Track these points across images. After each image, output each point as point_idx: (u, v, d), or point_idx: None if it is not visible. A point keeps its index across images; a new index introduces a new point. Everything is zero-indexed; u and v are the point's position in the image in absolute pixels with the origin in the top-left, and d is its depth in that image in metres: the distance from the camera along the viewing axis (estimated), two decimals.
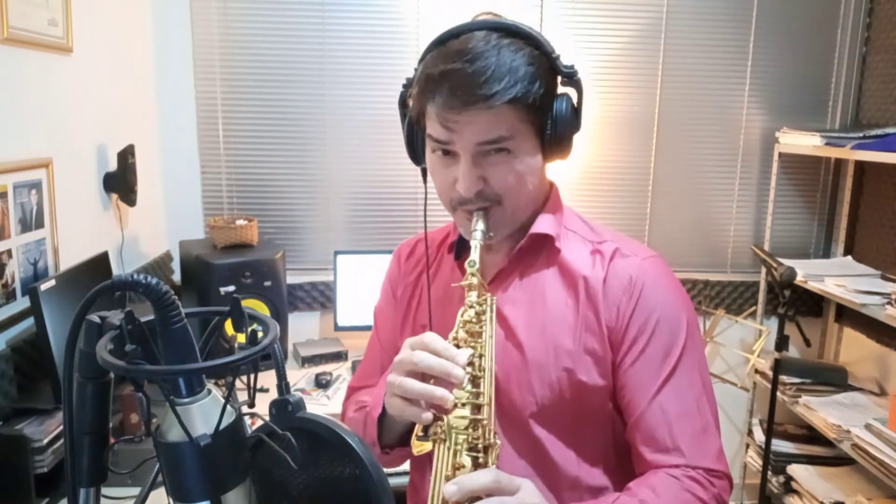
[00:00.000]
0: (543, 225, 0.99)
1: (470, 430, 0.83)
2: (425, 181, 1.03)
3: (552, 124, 0.92)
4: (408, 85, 0.98)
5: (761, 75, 2.74)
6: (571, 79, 0.93)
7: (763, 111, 2.77)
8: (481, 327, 0.89)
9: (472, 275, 0.90)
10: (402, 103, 0.99)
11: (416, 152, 1.00)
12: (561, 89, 0.94)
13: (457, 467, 0.81)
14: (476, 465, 0.82)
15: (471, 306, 0.90)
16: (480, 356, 0.87)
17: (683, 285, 1.02)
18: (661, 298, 0.95)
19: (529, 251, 1.00)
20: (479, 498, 0.76)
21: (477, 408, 0.83)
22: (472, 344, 0.87)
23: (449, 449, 0.82)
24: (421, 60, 0.94)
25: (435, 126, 0.91)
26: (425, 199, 1.03)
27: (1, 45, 1.56)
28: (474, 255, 0.90)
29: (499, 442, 0.84)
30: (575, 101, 0.94)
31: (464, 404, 0.83)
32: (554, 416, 0.95)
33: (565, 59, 0.92)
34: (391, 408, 0.88)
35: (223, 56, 2.56)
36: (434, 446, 0.84)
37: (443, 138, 0.91)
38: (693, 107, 2.75)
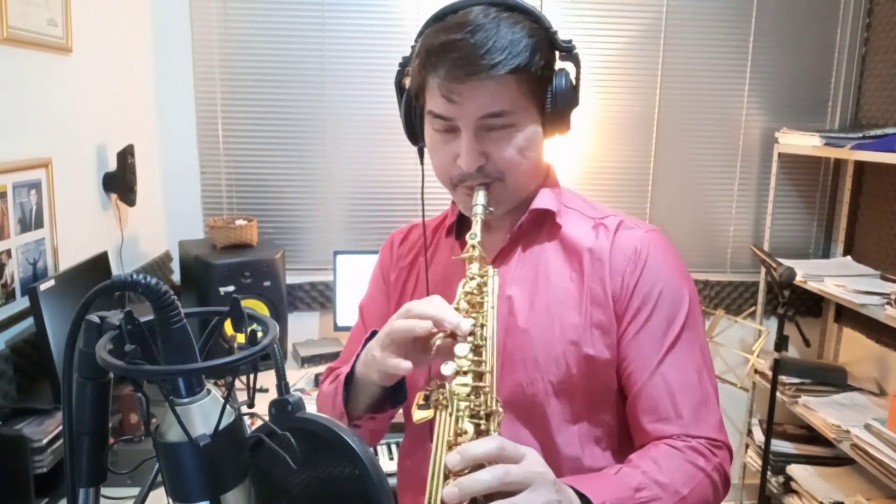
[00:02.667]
0: (544, 200, 1.00)
1: (472, 398, 0.82)
2: (422, 161, 1.03)
3: (552, 98, 0.92)
4: (404, 63, 0.98)
5: (761, 75, 2.74)
6: (570, 53, 0.93)
7: (762, 111, 2.77)
8: (483, 298, 0.89)
9: (473, 247, 0.90)
10: (399, 82, 0.99)
11: (414, 131, 1.00)
12: (559, 65, 0.94)
13: (459, 433, 0.80)
14: (478, 432, 0.81)
15: (472, 277, 0.89)
16: (482, 326, 0.86)
17: None
18: (665, 270, 0.96)
19: (530, 228, 1.01)
20: (482, 466, 0.75)
21: (479, 376, 0.83)
22: (474, 314, 0.87)
23: (451, 415, 0.81)
24: (419, 37, 0.93)
25: (436, 100, 0.91)
26: (422, 179, 1.03)
27: (1, 45, 1.56)
28: (475, 228, 0.91)
29: (501, 409, 0.84)
30: (573, 76, 0.94)
31: (465, 372, 0.82)
32: (561, 392, 0.95)
33: (563, 35, 0.93)
34: (382, 357, 0.86)
35: (223, 56, 2.56)
36: (435, 413, 0.83)
37: (444, 113, 0.91)
38: (692, 107, 2.75)
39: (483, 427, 0.82)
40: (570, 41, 0.93)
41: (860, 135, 2.33)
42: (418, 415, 0.84)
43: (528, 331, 0.96)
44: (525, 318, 0.97)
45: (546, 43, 0.91)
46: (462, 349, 0.82)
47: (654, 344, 0.93)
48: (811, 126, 2.72)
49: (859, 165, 2.70)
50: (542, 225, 1.01)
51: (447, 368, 0.82)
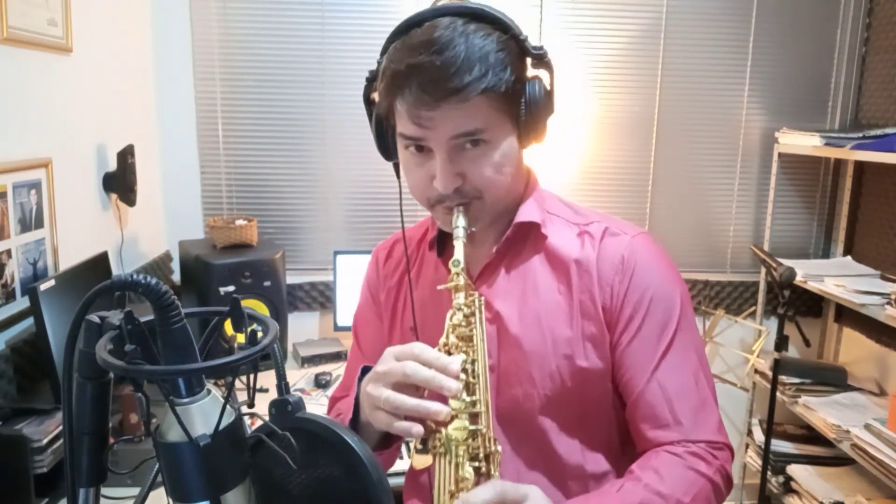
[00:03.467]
0: (527, 213, 0.98)
1: (469, 441, 0.81)
2: (398, 176, 1.00)
3: (526, 109, 0.89)
4: (371, 79, 0.94)
5: (761, 75, 2.74)
6: (542, 60, 0.90)
7: (763, 111, 2.77)
8: (471, 330, 0.87)
9: (458, 274, 0.88)
10: (367, 98, 0.96)
11: (387, 149, 0.98)
12: (532, 71, 0.91)
13: (459, 480, 0.80)
14: (479, 476, 0.81)
15: (459, 309, 0.88)
16: (473, 361, 0.85)
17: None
18: (654, 276, 0.94)
19: (515, 241, 0.99)
20: None
21: (474, 416, 0.82)
22: (465, 349, 0.86)
23: (450, 463, 0.81)
24: (383, 52, 0.89)
25: (406, 124, 0.88)
26: (400, 195, 1.00)
27: (1, 45, 1.56)
28: (458, 254, 0.88)
29: (500, 448, 0.83)
30: (547, 83, 0.91)
31: (461, 414, 0.81)
32: (557, 406, 0.94)
33: (534, 41, 0.89)
34: (377, 422, 0.85)
35: (223, 56, 2.56)
36: (434, 460, 0.82)
37: (415, 135, 0.88)
38: (693, 107, 2.75)
39: (483, 469, 0.81)
40: (541, 47, 0.89)
41: (860, 135, 2.32)
42: (417, 460, 0.83)
43: (521, 343, 0.95)
44: (516, 328, 0.95)
45: (517, 53, 0.88)
46: (454, 388, 0.80)
47: (649, 351, 0.92)
48: (811, 126, 2.72)
49: (859, 165, 2.70)
50: (528, 237, 0.99)
51: (442, 413, 0.80)
